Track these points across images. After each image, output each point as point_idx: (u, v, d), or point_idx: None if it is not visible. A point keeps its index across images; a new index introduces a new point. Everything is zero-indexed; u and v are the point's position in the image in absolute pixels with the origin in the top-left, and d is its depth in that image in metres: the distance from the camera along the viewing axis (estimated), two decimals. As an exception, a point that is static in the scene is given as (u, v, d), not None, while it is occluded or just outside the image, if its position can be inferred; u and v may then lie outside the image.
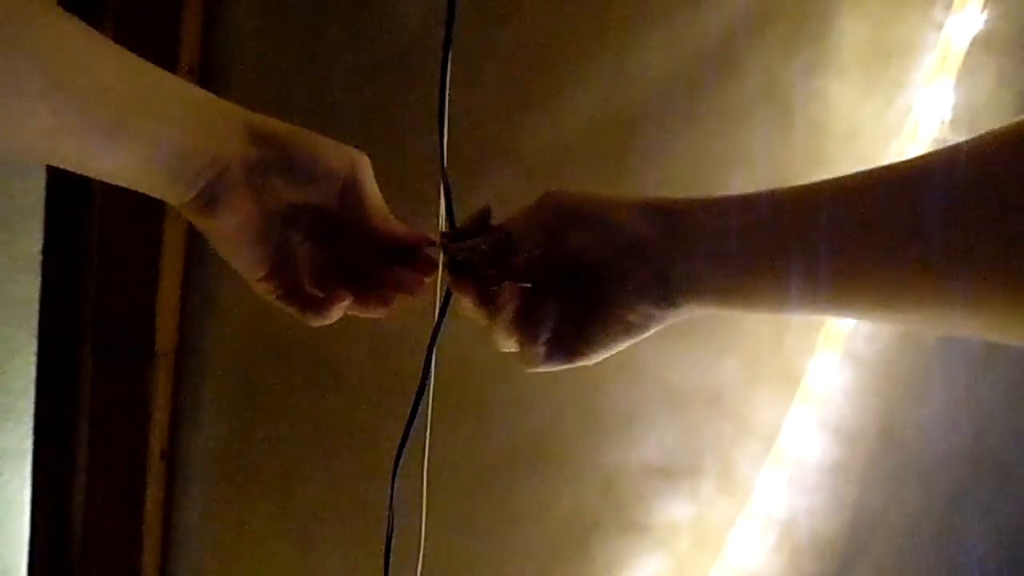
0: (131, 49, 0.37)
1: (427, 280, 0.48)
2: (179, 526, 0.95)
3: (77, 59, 0.35)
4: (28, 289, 0.89)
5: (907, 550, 1.01)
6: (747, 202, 0.42)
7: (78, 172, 0.38)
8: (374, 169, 0.47)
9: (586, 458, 0.95)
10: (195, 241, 0.89)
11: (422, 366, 0.48)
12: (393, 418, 0.97)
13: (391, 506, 0.48)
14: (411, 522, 0.51)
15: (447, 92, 0.46)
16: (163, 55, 0.81)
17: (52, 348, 0.90)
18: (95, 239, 0.88)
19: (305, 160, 0.42)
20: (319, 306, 0.47)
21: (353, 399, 0.93)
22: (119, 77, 0.37)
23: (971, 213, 0.34)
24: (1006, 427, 1.00)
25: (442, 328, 0.48)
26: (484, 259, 0.45)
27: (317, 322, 0.48)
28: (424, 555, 0.50)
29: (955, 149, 0.35)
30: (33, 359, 0.90)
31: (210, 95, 0.41)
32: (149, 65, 0.39)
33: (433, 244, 0.47)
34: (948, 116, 0.88)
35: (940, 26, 0.88)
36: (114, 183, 0.39)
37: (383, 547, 0.49)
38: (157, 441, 0.90)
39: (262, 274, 0.45)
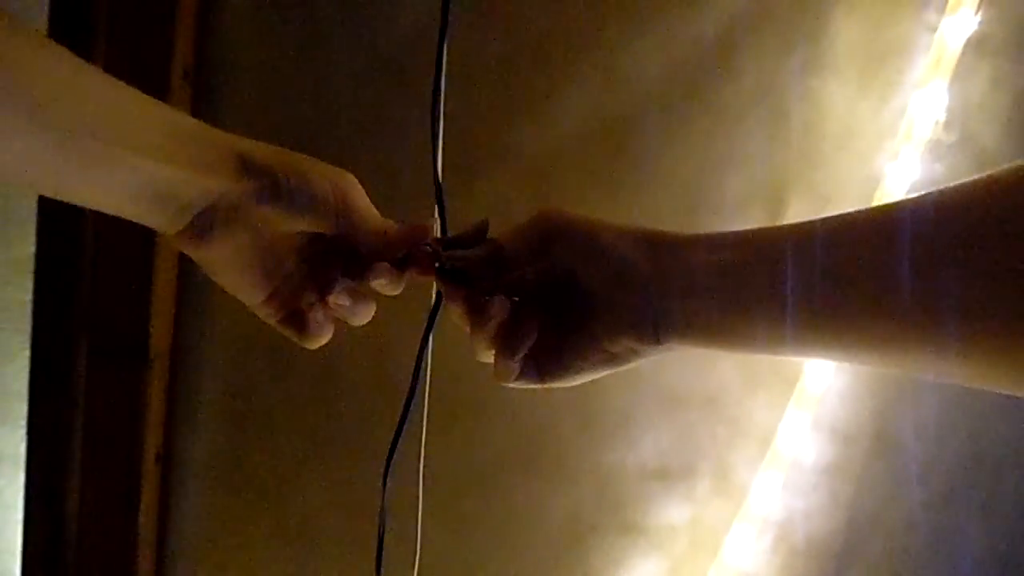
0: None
1: (420, 277, 0.48)
2: (174, 529, 0.94)
3: (60, 90, 0.34)
4: (22, 292, 0.89)
5: (903, 551, 1.02)
6: (739, 241, 0.41)
7: (65, 200, 0.38)
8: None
9: (582, 460, 0.95)
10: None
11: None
12: (389, 421, 0.97)
13: (383, 508, 0.48)
14: (407, 525, 0.51)
15: (441, 98, 0.45)
16: (157, 60, 0.81)
17: (46, 351, 0.90)
18: (89, 242, 0.88)
19: (297, 189, 0.41)
20: (318, 330, 0.47)
21: (348, 402, 0.93)
22: (105, 107, 0.36)
23: (977, 260, 0.33)
24: (1001, 428, 1.00)
25: (433, 331, 0.48)
26: (476, 270, 0.45)
27: (315, 345, 0.48)
28: (420, 558, 0.50)
29: (944, 196, 0.35)
30: (27, 363, 0.90)
31: (200, 124, 0.40)
32: (138, 95, 0.38)
33: (428, 245, 0.47)
34: (942, 118, 0.89)
35: (934, 28, 0.88)
36: (102, 211, 0.39)
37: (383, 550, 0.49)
38: (152, 444, 0.90)
39: (261, 299, 0.45)
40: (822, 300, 0.38)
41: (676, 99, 0.88)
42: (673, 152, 0.89)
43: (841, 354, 0.40)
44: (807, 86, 0.89)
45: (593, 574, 0.98)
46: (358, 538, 0.95)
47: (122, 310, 0.87)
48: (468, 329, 0.46)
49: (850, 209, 0.39)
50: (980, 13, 0.87)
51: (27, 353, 0.90)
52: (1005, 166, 0.34)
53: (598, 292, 0.43)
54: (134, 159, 0.36)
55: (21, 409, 0.90)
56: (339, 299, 0.47)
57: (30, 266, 0.88)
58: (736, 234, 0.42)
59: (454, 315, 0.47)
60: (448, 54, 0.47)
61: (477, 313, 0.45)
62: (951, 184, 0.35)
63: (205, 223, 0.40)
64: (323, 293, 0.47)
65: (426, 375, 0.48)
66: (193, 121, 0.40)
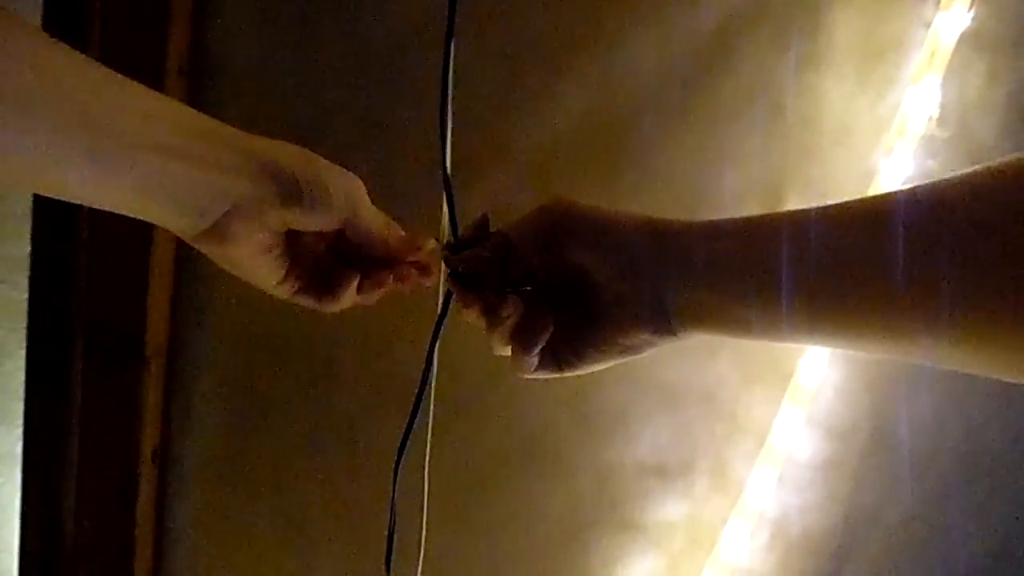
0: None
1: (427, 283, 0.48)
2: (172, 528, 0.94)
3: (73, 87, 0.34)
4: (17, 292, 0.89)
5: (900, 547, 1.02)
6: (747, 227, 0.41)
7: (84, 203, 0.37)
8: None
9: (580, 457, 0.95)
10: (185, 242, 0.89)
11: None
12: (387, 418, 0.97)
13: (393, 505, 0.48)
14: (408, 522, 0.51)
15: (449, 94, 0.45)
16: (152, 56, 0.80)
17: (42, 350, 0.90)
18: (85, 241, 0.87)
19: (315, 195, 0.41)
20: (334, 292, 0.47)
21: (346, 399, 0.93)
22: (120, 105, 0.36)
23: (975, 248, 0.34)
24: (998, 424, 1.01)
25: (442, 331, 0.48)
26: (486, 267, 0.45)
27: (333, 309, 0.47)
28: (415, 555, 0.50)
29: (944, 185, 0.35)
30: (23, 361, 0.90)
31: (217, 123, 0.40)
32: (153, 93, 0.38)
33: (438, 243, 0.48)
34: (936, 114, 0.89)
35: (929, 23, 0.89)
36: (120, 212, 0.39)
37: (379, 547, 0.49)
38: (149, 442, 0.90)
39: (275, 282, 0.45)
40: (827, 285, 0.38)
41: (674, 95, 0.89)
42: (670, 148, 0.89)
43: (850, 341, 0.40)
44: (804, 82, 0.89)
45: (591, 570, 0.98)
46: (356, 535, 0.95)
47: (118, 308, 0.87)
48: (483, 327, 0.46)
49: None
50: (973, 9, 0.87)
51: (23, 351, 0.90)
52: (1005, 157, 0.34)
53: (609, 286, 0.43)
54: (152, 159, 0.36)
55: (17, 407, 0.90)
56: (347, 292, 0.47)
57: (26, 264, 0.88)
58: (742, 221, 0.42)
59: (469, 317, 0.47)
60: (447, 51, 0.47)
61: (491, 313, 0.45)
62: (948, 175, 0.35)
63: (224, 226, 0.40)
64: (334, 281, 0.47)
65: (432, 375, 0.48)
66: (209, 120, 0.40)
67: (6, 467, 0.92)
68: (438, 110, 0.45)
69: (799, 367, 0.94)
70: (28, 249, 0.88)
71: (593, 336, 0.44)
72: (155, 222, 0.40)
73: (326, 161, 0.43)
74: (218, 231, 0.40)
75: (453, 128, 0.47)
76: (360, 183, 0.44)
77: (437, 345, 0.48)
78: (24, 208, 0.87)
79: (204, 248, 0.42)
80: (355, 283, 0.47)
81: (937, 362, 0.38)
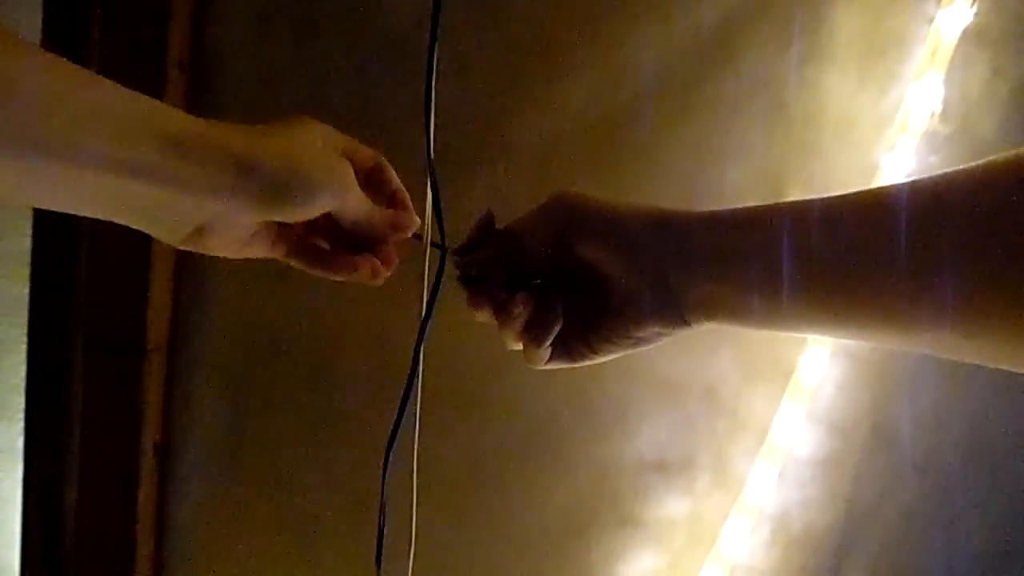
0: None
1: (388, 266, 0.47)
2: (172, 521, 0.95)
3: (41, 98, 0.32)
4: (18, 287, 0.89)
5: (901, 543, 1.02)
6: (753, 216, 0.41)
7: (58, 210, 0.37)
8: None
9: (580, 453, 0.95)
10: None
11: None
12: (386, 413, 0.97)
13: (383, 500, 0.48)
14: (406, 516, 0.51)
15: (433, 91, 0.45)
16: (152, 50, 0.80)
17: (44, 345, 0.90)
18: (86, 235, 0.88)
19: (294, 190, 0.40)
20: (324, 265, 0.46)
21: (346, 393, 0.93)
22: (91, 116, 0.34)
23: (985, 242, 0.34)
24: (999, 420, 1.01)
25: (430, 323, 0.47)
26: (495, 266, 0.45)
27: (329, 277, 0.47)
28: (419, 549, 0.50)
29: (947, 178, 0.36)
30: (24, 356, 0.90)
31: (195, 127, 0.37)
32: (128, 99, 0.35)
33: (419, 237, 0.47)
34: (938, 109, 0.89)
35: (931, 19, 0.88)
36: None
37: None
38: (149, 436, 0.90)
39: (263, 255, 0.45)
40: (831, 274, 0.38)
41: (675, 90, 0.88)
42: (672, 143, 0.89)
43: (855, 330, 0.40)
44: (806, 77, 0.89)
45: (592, 567, 0.98)
46: (356, 528, 0.95)
47: (119, 303, 0.87)
48: (495, 324, 0.46)
49: None
50: (975, 5, 0.87)
51: (24, 346, 0.90)
52: (1009, 151, 0.34)
53: (619, 280, 0.43)
54: (121, 181, 0.35)
55: (19, 402, 0.90)
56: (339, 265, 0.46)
57: (27, 260, 0.88)
58: (749, 210, 0.42)
59: (481, 317, 0.47)
60: (445, 45, 0.47)
61: (502, 311, 0.45)
62: (952, 168, 0.36)
63: (198, 235, 0.40)
64: (324, 254, 0.47)
65: (419, 366, 0.48)
66: (186, 125, 0.37)
67: (8, 461, 0.92)
68: (450, 112, 0.45)
69: (800, 363, 0.94)
70: (29, 244, 0.88)
71: (606, 329, 0.44)
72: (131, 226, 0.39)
73: (311, 154, 0.41)
74: (192, 240, 0.40)
75: (451, 123, 0.47)
76: (348, 170, 0.43)
77: (426, 339, 0.48)
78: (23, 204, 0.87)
79: (185, 248, 0.41)
80: (346, 258, 0.46)
81: (938, 351, 0.38)
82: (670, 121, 0.89)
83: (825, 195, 0.39)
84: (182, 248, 0.41)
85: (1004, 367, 0.36)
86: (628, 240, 0.43)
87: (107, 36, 0.81)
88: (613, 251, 0.43)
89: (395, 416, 0.47)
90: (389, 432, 0.47)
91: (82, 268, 0.88)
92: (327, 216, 0.44)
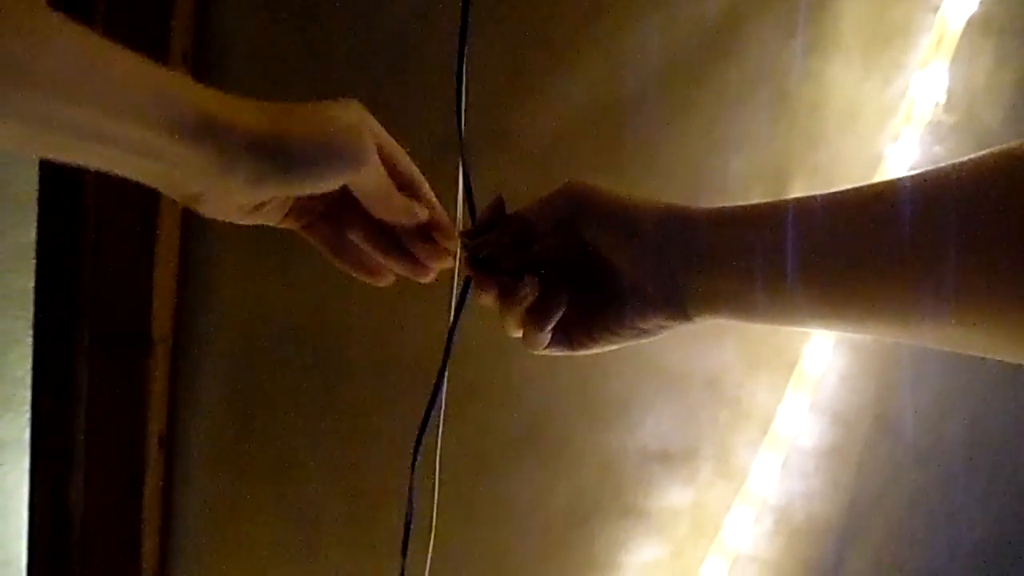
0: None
1: (436, 267, 0.48)
2: (179, 514, 0.95)
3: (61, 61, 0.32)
4: (23, 279, 0.89)
5: (904, 533, 1.02)
6: (761, 212, 0.42)
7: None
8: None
9: (584, 443, 0.96)
10: (190, 227, 0.89)
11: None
12: (392, 405, 0.97)
13: (411, 491, 0.48)
14: (415, 508, 0.52)
15: (464, 81, 0.45)
16: (155, 40, 0.80)
17: (48, 338, 0.90)
18: (90, 228, 0.88)
19: (308, 171, 0.39)
20: (344, 251, 0.46)
21: (352, 386, 0.93)
22: (100, 88, 0.33)
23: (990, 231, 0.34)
24: (1002, 411, 1.01)
25: (460, 318, 0.48)
26: (504, 251, 0.46)
27: (342, 265, 0.47)
28: (423, 539, 0.50)
29: (952, 168, 0.36)
30: (30, 349, 0.90)
31: (200, 102, 0.36)
32: (135, 72, 0.35)
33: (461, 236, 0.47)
34: (943, 99, 0.89)
35: (936, 8, 0.88)
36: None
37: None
38: (155, 428, 0.90)
39: (276, 224, 0.45)
40: (837, 268, 0.38)
41: (679, 80, 0.88)
42: (676, 133, 0.89)
43: (862, 324, 0.40)
44: (810, 67, 0.89)
45: (595, 557, 0.98)
46: (362, 520, 0.95)
47: (124, 295, 0.87)
48: (499, 310, 0.47)
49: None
50: (982, -7, 0.87)
51: (29, 340, 0.90)
52: (1013, 142, 0.34)
53: (626, 271, 0.43)
54: (125, 154, 0.35)
55: (24, 395, 0.91)
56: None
57: (31, 252, 0.88)
58: (757, 207, 0.42)
59: (485, 300, 0.47)
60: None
61: (508, 295, 0.45)
62: (956, 160, 0.36)
63: (198, 200, 0.39)
64: (337, 243, 0.46)
65: (446, 362, 0.48)
66: (195, 97, 0.36)
67: (14, 454, 0.92)
68: (455, 103, 0.45)
69: (803, 354, 0.94)
70: (33, 237, 0.88)
71: (609, 319, 0.45)
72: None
73: (329, 127, 0.40)
74: (190, 202, 0.40)
75: (455, 113, 0.47)
76: (368, 143, 0.41)
77: (455, 332, 0.48)
78: (29, 196, 0.87)
79: (187, 206, 0.41)
80: (361, 235, 0.46)
81: (941, 344, 0.38)
82: (673, 111, 0.89)
83: (833, 190, 0.40)
84: (184, 205, 0.41)
85: (1008, 359, 0.36)
86: (636, 232, 0.43)
87: (110, 25, 0.80)
88: (621, 242, 0.43)
89: (414, 407, 0.47)
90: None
91: (87, 261, 0.88)
92: (357, 209, 0.44)
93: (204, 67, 0.86)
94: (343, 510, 0.96)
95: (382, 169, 0.43)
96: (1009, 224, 0.33)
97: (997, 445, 1.01)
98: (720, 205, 0.44)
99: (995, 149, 0.35)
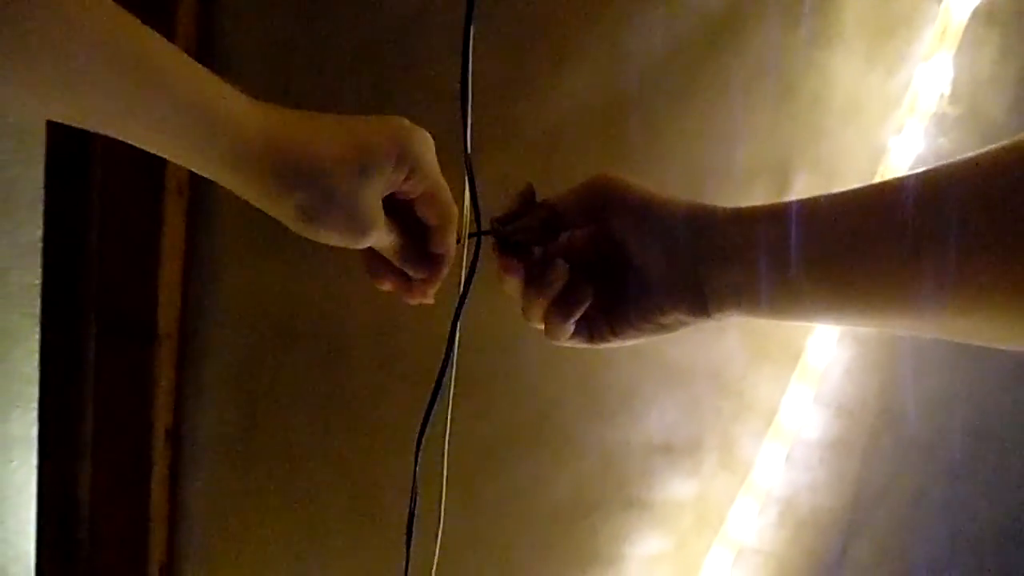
0: None
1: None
2: (185, 507, 0.95)
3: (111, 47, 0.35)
4: (30, 276, 0.90)
5: (909, 524, 1.02)
6: (773, 212, 0.42)
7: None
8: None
9: (588, 435, 0.96)
10: (196, 222, 0.89)
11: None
12: (396, 397, 0.97)
13: (414, 482, 0.48)
14: (420, 498, 0.52)
15: (469, 74, 0.45)
16: (160, 32, 0.80)
17: (56, 334, 0.90)
18: (96, 224, 0.88)
19: (344, 202, 0.41)
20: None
21: (357, 378, 0.93)
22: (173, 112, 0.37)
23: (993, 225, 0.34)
24: (1006, 402, 1.01)
25: (465, 306, 0.48)
26: (532, 235, 0.46)
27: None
28: (428, 529, 0.50)
29: (958, 162, 0.36)
30: (37, 345, 0.90)
31: (245, 121, 0.40)
32: (192, 86, 0.38)
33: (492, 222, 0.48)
34: (947, 91, 0.88)
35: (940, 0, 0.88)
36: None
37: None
38: (162, 422, 0.91)
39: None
40: (852, 264, 0.39)
41: (683, 72, 0.88)
42: (679, 126, 0.89)
43: (874, 318, 0.41)
44: (813, 59, 0.88)
45: (598, 549, 0.99)
46: (367, 511, 0.96)
47: (130, 290, 0.87)
48: (521, 296, 0.47)
49: (855, 182, 0.40)
50: (986, -16, 0.86)
51: (37, 336, 0.90)
52: (1017, 136, 0.34)
53: (651, 266, 0.44)
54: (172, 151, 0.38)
55: (32, 391, 0.91)
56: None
57: (38, 249, 0.89)
58: (766, 207, 0.43)
59: (509, 286, 0.47)
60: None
61: (536, 281, 0.45)
62: (959, 157, 0.36)
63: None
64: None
65: (453, 352, 0.49)
66: (238, 121, 0.40)
67: (22, 450, 0.93)
68: (459, 96, 0.45)
69: (808, 346, 0.94)
70: (40, 234, 0.89)
71: (632, 313, 0.45)
72: None
73: (380, 152, 0.42)
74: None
75: (457, 106, 0.47)
76: (425, 169, 0.43)
77: (459, 321, 0.48)
78: (35, 194, 0.88)
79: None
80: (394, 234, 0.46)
81: (947, 335, 0.39)
82: (677, 103, 0.89)
83: (851, 187, 0.41)
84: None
85: (1014, 347, 0.36)
86: (663, 228, 0.44)
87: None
88: (648, 236, 0.44)
89: (415, 399, 0.48)
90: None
91: (93, 257, 0.88)
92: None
93: (207, 63, 0.86)
94: (349, 501, 0.96)
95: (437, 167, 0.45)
96: (1012, 218, 0.33)
97: (1001, 437, 1.01)
98: (728, 199, 0.44)
99: (997, 145, 0.35)
